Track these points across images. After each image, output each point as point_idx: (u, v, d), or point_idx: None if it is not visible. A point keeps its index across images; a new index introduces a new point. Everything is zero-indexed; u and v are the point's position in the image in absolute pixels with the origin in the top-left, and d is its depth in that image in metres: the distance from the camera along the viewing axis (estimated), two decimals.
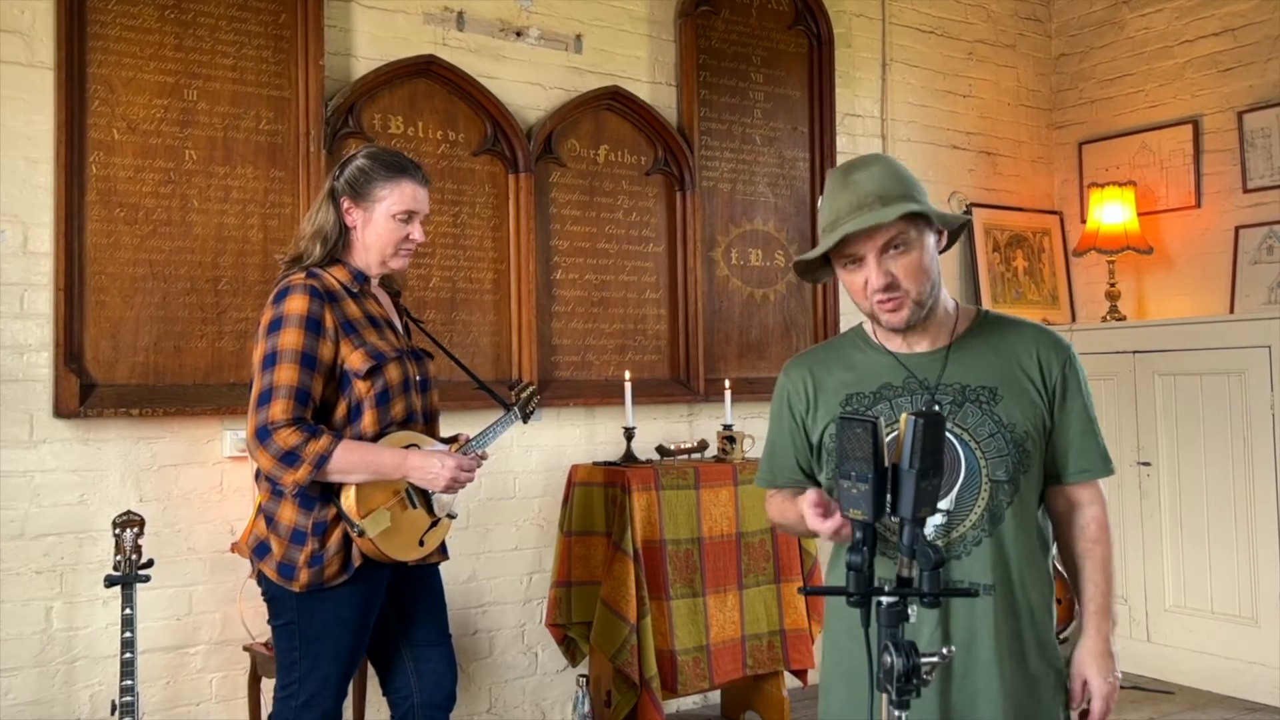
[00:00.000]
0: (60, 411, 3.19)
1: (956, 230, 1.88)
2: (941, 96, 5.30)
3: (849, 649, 1.80)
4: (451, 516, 2.67)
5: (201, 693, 3.42)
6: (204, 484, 3.44)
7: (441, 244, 3.87)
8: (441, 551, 2.72)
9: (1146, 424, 4.74)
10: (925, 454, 1.55)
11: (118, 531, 2.99)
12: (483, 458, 2.68)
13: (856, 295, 1.85)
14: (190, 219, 3.42)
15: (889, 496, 1.57)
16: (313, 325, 2.43)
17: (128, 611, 2.94)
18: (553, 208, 4.14)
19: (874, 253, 1.78)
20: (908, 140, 5.16)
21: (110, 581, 2.96)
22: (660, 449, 4.08)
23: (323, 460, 2.38)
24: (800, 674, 4.03)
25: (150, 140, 3.36)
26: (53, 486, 3.22)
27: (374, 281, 2.64)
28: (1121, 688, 1.90)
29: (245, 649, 3.40)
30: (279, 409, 2.38)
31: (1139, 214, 5.12)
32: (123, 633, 2.93)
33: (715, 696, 4.33)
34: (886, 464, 1.57)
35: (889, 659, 1.50)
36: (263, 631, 3.20)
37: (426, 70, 3.87)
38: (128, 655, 2.92)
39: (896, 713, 1.51)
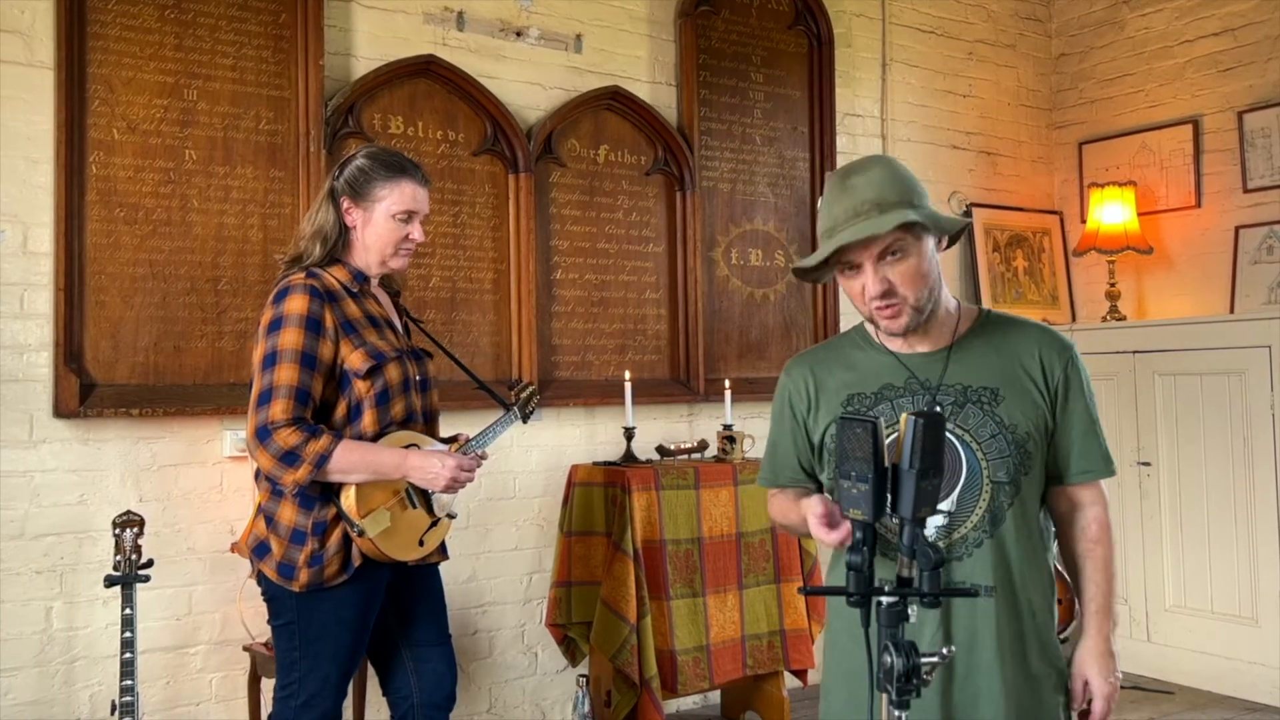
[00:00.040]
0: (60, 411, 3.19)
1: (956, 232, 1.87)
2: (941, 96, 5.30)
3: (849, 649, 1.80)
4: (451, 516, 2.68)
5: (201, 693, 3.42)
6: (204, 484, 3.44)
7: (441, 244, 3.87)
8: (441, 551, 2.72)
9: (1146, 424, 4.74)
10: (925, 454, 1.55)
11: (117, 531, 2.99)
12: (483, 458, 2.68)
13: (855, 300, 1.85)
14: (190, 219, 3.42)
15: (889, 496, 1.57)
16: (313, 325, 2.43)
17: (128, 611, 2.94)
18: (553, 208, 4.14)
19: (871, 260, 1.77)
20: (908, 140, 5.15)
21: (110, 581, 2.96)
22: (660, 449, 4.08)
23: (323, 460, 2.38)
24: (800, 674, 4.03)
25: (150, 140, 3.36)
26: (53, 486, 3.22)
27: (374, 281, 2.65)
28: (1122, 688, 1.90)
29: (245, 649, 3.40)
30: (279, 409, 2.38)
31: (1139, 214, 5.12)
32: (123, 633, 2.93)
33: (715, 696, 4.33)
34: (887, 464, 1.57)
35: (889, 659, 1.50)
36: (262, 631, 3.20)
37: (426, 70, 3.87)
38: (128, 655, 2.92)
39: (896, 713, 1.51)
